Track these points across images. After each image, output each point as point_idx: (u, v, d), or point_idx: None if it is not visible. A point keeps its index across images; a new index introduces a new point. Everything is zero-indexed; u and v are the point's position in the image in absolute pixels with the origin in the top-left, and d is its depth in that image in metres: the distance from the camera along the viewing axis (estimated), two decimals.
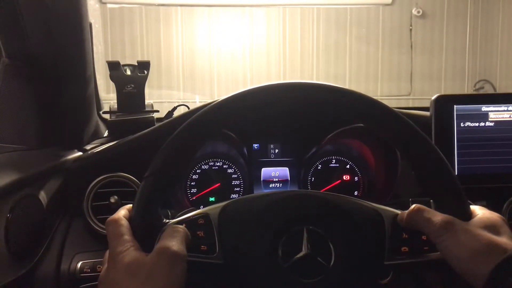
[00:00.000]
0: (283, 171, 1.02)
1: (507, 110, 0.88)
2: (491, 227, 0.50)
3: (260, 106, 0.55)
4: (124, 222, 0.53)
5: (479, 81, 4.71)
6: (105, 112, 1.08)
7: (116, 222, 0.53)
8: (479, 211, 0.53)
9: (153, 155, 0.54)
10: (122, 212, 0.55)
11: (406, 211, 0.55)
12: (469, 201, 0.55)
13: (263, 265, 0.54)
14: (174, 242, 0.50)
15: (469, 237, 0.48)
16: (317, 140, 0.99)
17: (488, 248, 0.47)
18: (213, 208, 0.57)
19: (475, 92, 4.49)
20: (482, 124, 0.88)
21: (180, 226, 0.53)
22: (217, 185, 1.01)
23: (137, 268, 0.48)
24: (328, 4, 4.62)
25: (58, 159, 0.86)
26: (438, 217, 0.51)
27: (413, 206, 0.54)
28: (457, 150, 0.88)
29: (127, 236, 0.51)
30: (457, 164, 0.88)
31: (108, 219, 0.54)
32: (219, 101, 0.55)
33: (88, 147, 0.96)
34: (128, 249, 0.50)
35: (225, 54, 4.55)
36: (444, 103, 0.88)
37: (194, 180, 1.01)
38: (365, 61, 4.72)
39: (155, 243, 0.51)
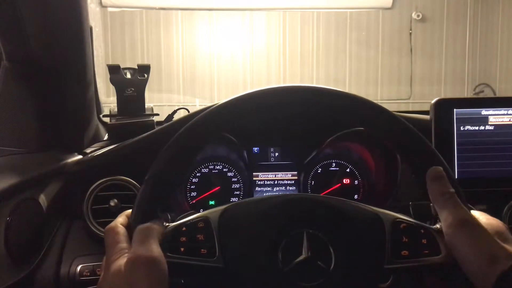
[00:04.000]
0: (283, 175, 1.02)
1: (507, 114, 0.88)
2: (497, 233, 0.50)
3: (260, 110, 0.55)
4: (121, 229, 0.53)
5: (479, 84, 4.72)
6: (105, 116, 1.08)
7: (113, 230, 0.53)
8: (481, 217, 0.53)
9: (153, 159, 0.54)
10: (120, 220, 0.54)
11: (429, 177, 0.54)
12: (469, 205, 0.55)
13: (263, 269, 0.54)
14: (146, 247, 0.49)
15: (481, 240, 0.48)
16: (317, 144, 0.99)
17: (497, 254, 0.47)
18: (213, 211, 0.57)
19: (474, 96, 4.49)
20: (482, 127, 0.88)
21: (148, 224, 0.52)
22: (217, 188, 1.01)
23: (119, 279, 0.47)
24: (328, 8, 4.63)
25: (58, 162, 0.86)
26: (459, 209, 0.51)
27: (435, 171, 0.53)
28: (457, 153, 0.88)
29: (122, 244, 0.51)
30: (457, 168, 0.88)
31: (106, 227, 0.54)
32: (219, 105, 0.55)
33: (88, 150, 0.96)
34: (120, 258, 0.49)
35: (225, 58, 4.56)
36: (444, 106, 0.88)
37: (194, 183, 1.01)
38: (365, 64, 4.73)
39: None
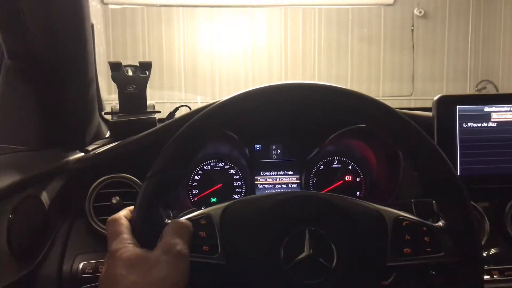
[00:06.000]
0: (285, 172, 1.02)
1: (510, 111, 0.88)
2: None
3: (262, 107, 0.55)
4: (124, 221, 0.53)
5: (481, 81, 4.70)
6: (107, 113, 1.08)
7: (116, 221, 0.53)
8: None
9: (155, 156, 0.54)
10: (123, 212, 0.55)
11: None
12: (471, 202, 0.54)
13: (265, 266, 0.54)
14: (178, 240, 0.50)
15: None
16: (319, 141, 0.99)
17: None
18: (215, 208, 0.57)
19: (477, 93, 4.48)
20: (484, 124, 0.88)
21: (184, 220, 0.53)
22: (218, 186, 1.01)
23: (139, 262, 0.48)
24: (330, 4, 4.62)
25: (60, 160, 0.86)
26: None
27: None
28: (459, 150, 0.87)
29: (125, 235, 0.51)
30: (460, 165, 0.87)
31: (109, 218, 0.54)
32: (221, 102, 0.55)
33: (90, 148, 0.96)
34: (126, 246, 0.49)
35: (226, 55, 4.55)
36: (446, 103, 0.88)
37: (196, 181, 1.01)
38: (366, 61, 4.71)
39: (158, 240, 0.51)
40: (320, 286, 0.53)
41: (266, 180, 1.02)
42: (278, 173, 1.02)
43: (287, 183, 1.03)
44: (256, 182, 1.02)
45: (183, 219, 0.55)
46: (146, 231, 0.53)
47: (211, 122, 0.54)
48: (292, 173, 1.02)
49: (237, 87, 4.40)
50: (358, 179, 1.03)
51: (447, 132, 0.87)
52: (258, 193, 1.01)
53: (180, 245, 0.49)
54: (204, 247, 0.54)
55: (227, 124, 0.55)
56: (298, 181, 1.03)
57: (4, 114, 0.81)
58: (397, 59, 4.71)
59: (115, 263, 0.48)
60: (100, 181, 0.85)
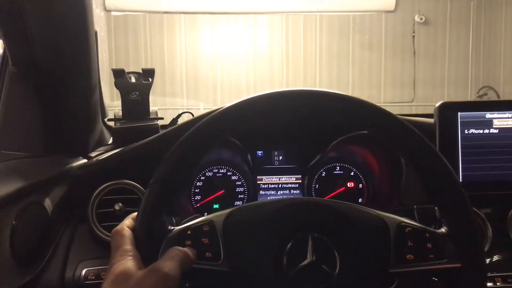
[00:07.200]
0: (287, 178, 1.02)
1: (511, 117, 0.88)
2: None
3: (265, 114, 0.55)
4: (127, 232, 0.53)
5: (483, 87, 4.70)
6: (110, 120, 1.09)
7: (118, 232, 0.53)
8: None
9: (158, 163, 0.54)
10: (127, 223, 0.55)
11: None
12: (474, 208, 0.54)
13: (268, 273, 0.54)
14: (168, 263, 0.49)
15: None
16: (321, 147, 0.99)
17: None
18: (218, 215, 0.58)
19: (478, 99, 4.48)
20: (486, 131, 0.88)
21: (182, 248, 0.52)
22: (221, 192, 1.02)
23: (124, 280, 0.48)
24: (331, 11, 4.64)
25: (63, 166, 0.86)
26: None
27: None
28: (461, 157, 0.88)
29: (127, 246, 0.51)
30: (462, 172, 0.87)
31: (113, 230, 0.54)
32: (223, 109, 0.55)
33: (93, 154, 0.97)
34: (124, 259, 0.50)
35: (228, 61, 4.57)
36: (448, 110, 0.88)
37: (198, 187, 1.02)
38: (368, 68, 4.72)
39: (159, 255, 0.51)
40: None
41: (268, 186, 1.02)
42: (280, 179, 1.02)
43: (289, 189, 1.03)
44: (258, 189, 1.02)
45: (182, 228, 0.56)
46: (148, 239, 0.53)
47: (214, 128, 0.55)
48: (294, 179, 1.03)
49: (238, 93, 4.41)
50: (360, 185, 1.03)
51: (448, 139, 0.88)
52: (260, 200, 1.01)
53: (169, 267, 0.48)
54: (207, 253, 0.54)
55: (230, 131, 0.55)
56: (300, 188, 1.03)
57: (8, 120, 0.81)
58: (398, 66, 4.71)
59: (108, 277, 0.49)
60: (103, 188, 0.85)
